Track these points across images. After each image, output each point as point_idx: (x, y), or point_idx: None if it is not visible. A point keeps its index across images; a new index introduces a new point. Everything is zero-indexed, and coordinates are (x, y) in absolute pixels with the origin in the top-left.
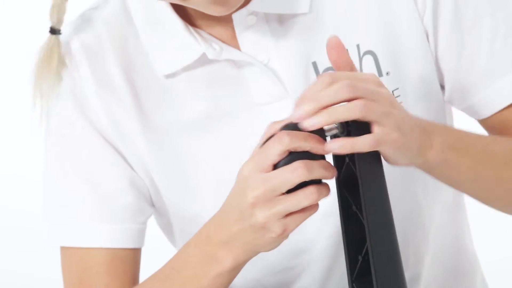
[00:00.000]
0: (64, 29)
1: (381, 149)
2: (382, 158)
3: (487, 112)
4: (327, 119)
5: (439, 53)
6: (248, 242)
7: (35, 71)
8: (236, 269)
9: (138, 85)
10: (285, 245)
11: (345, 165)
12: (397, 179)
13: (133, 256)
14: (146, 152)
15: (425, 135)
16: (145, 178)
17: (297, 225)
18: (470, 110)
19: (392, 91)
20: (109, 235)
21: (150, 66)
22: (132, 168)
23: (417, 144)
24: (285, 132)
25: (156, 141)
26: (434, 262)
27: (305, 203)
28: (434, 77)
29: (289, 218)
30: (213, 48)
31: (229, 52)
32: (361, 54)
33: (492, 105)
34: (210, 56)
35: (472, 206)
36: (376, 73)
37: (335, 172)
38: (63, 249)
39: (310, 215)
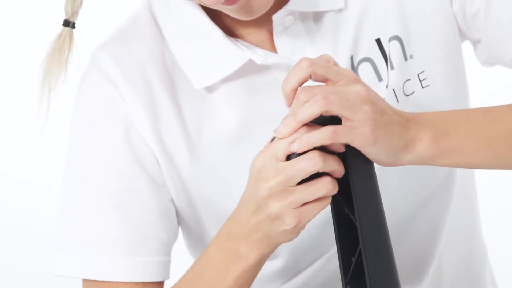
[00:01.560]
0: (95, 53)
1: (355, 145)
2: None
3: None
4: (295, 123)
5: (467, 13)
6: (266, 233)
7: (45, 64)
8: (259, 264)
9: (181, 100)
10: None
11: None
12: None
13: None
14: (189, 170)
15: (413, 130)
16: (180, 198)
17: (312, 217)
18: None
19: (418, 74)
20: (140, 269)
21: (188, 80)
22: (168, 193)
23: (403, 140)
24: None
25: (200, 156)
26: (448, 246)
27: (320, 193)
28: (460, 55)
29: (303, 209)
30: (258, 54)
31: (273, 57)
32: (388, 40)
33: None
34: (259, 61)
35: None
36: (402, 57)
37: (343, 168)
38: (85, 280)
39: (324, 207)
